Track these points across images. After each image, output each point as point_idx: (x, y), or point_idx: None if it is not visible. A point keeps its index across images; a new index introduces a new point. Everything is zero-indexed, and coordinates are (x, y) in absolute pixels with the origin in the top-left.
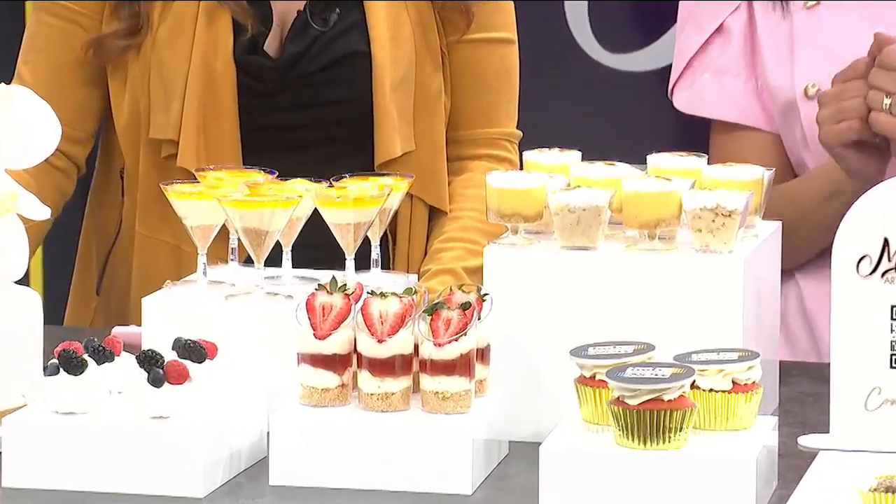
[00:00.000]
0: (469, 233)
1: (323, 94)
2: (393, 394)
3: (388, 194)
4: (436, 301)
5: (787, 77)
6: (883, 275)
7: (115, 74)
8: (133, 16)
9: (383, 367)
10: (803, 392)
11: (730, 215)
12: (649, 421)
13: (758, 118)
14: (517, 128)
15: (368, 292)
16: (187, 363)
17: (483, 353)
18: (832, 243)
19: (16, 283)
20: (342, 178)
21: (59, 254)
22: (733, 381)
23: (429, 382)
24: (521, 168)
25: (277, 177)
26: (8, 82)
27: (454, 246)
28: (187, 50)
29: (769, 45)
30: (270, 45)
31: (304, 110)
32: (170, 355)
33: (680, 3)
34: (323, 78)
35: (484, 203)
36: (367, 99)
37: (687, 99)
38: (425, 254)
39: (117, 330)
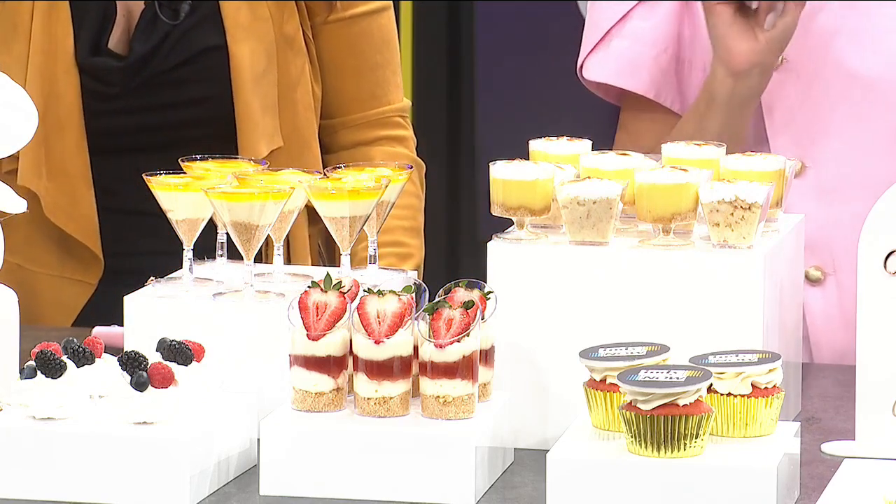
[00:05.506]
0: (394, 234)
1: (178, 93)
2: (391, 398)
3: (387, 186)
4: (437, 299)
5: None
6: None
7: None
8: None
9: (381, 370)
10: (827, 396)
11: (749, 208)
12: (663, 427)
13: (674, 99)
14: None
15: (365, 290)
16: (173, 365)
17: (487, 355)
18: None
19: None
20: (337, 168)
21: None
22: (753, 385)
23: (429, 386)
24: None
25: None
26: None
27: (381, 253)
28: (23, 54)
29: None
30: (116, 42)
31: (158, 111)
32: (154, 357)
33: None
34: (176, 76)
35: (402, 196)
36: (227, 96)
37: (599, 66)
38: (312, 250)
39: (98, 330)
